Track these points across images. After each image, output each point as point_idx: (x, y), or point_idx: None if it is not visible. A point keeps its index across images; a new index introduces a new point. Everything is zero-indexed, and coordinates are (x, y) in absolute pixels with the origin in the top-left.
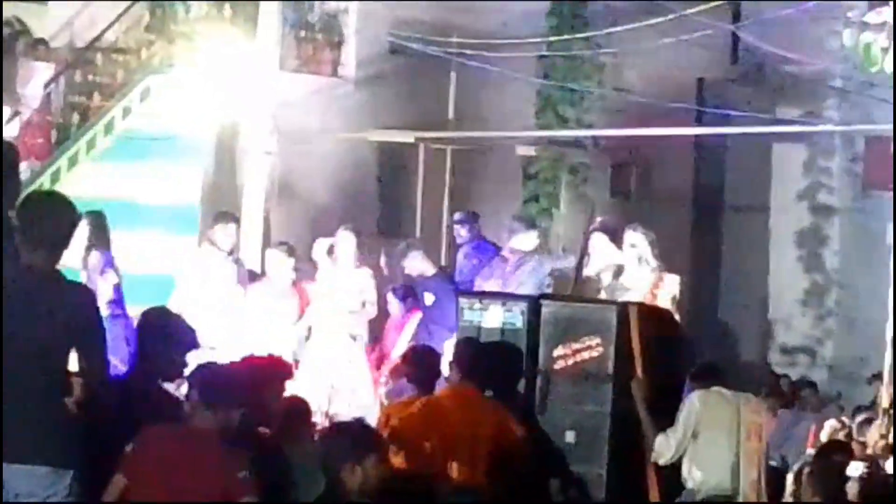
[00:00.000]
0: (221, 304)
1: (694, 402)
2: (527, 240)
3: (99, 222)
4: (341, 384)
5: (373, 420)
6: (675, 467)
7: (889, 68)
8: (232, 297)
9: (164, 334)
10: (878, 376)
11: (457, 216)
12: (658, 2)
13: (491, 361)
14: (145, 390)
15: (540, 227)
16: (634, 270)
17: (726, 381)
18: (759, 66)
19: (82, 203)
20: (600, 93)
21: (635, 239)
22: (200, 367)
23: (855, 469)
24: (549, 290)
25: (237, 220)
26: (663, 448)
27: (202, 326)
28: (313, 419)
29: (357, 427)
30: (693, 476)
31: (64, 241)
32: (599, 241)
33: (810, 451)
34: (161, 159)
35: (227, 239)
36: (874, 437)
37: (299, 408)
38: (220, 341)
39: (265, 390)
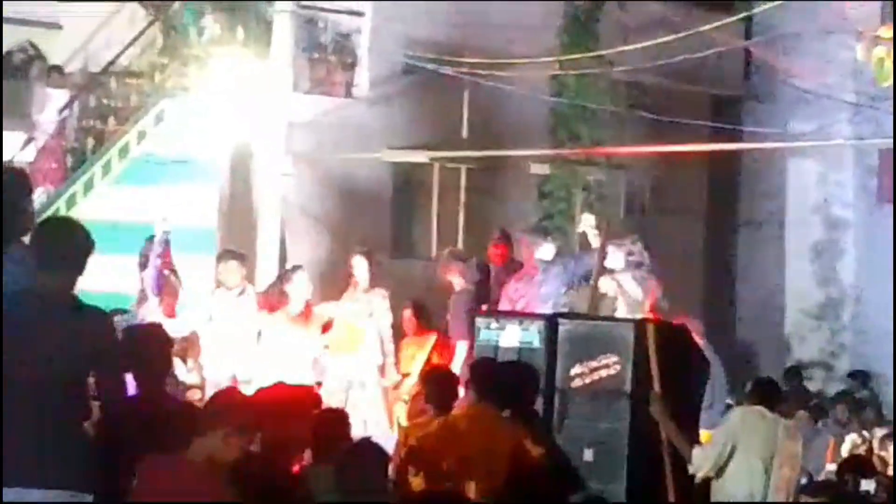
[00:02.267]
0: (243, 342)
1: (735, 418)
2: (547, 250)
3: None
4: (354, 407)
5: (390, 445)
6: (695, 483)
7: None
8: (250, 332)
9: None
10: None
11: (496, 235)
12: (670, 18)
13: (508, 381)
14: (154, 407)
15: (556, 244)
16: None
17: (779, 398)
18: (772, 82)
19: (99, 227)
20: (613, 110)
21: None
22: (222, 393)
23: (866, 485)
24: (566, 309)
25: (238, 257)
26: (701, 461)
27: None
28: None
29: (367, 447)
30: (722, 491)
31: (79, 266)
32: (614, 257)
33: (830, 465)
34: (177, 182)
35: (231, 277)
36: (892, 455)
37: (336, 417)
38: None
39: (291, 420)
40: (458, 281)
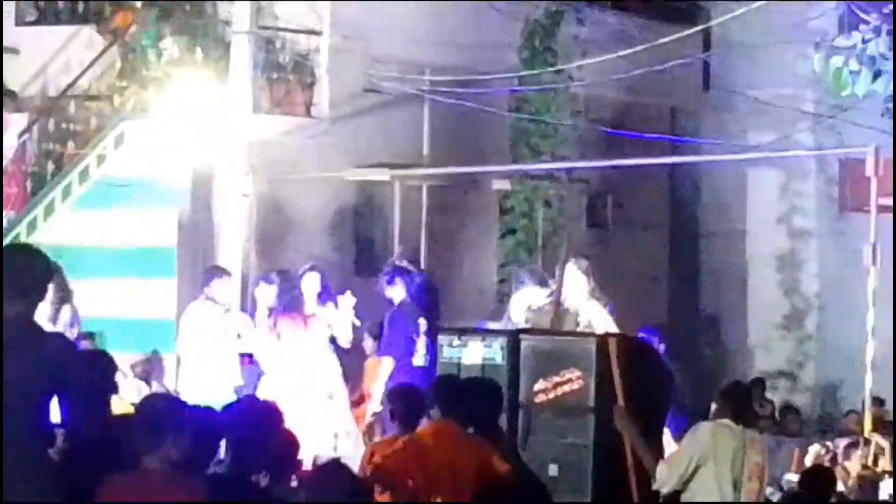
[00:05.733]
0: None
1: (703, 434)
2: (531, 295)
3: (61, 275)
4: (325, 419)
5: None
6: (661, 498)
7: (860, 91)
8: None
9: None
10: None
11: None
12: (629, 32)
13: (471, 397)
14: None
15: (519, 263)
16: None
17: (748, 408)
18: (731, 93)
19: (59, 251)
20: (574, 125)
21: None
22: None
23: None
24: (528, 325)
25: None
26: (665, 477)
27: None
28: (299, 458)
29: (334, 468)
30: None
31: (40, 292)
32: (573, 273)
33: (790, 476)
34: (137, 204)
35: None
36: (856, 467)
37: (288, 444)
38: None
39: (254, 435)
40: (399, 295)
